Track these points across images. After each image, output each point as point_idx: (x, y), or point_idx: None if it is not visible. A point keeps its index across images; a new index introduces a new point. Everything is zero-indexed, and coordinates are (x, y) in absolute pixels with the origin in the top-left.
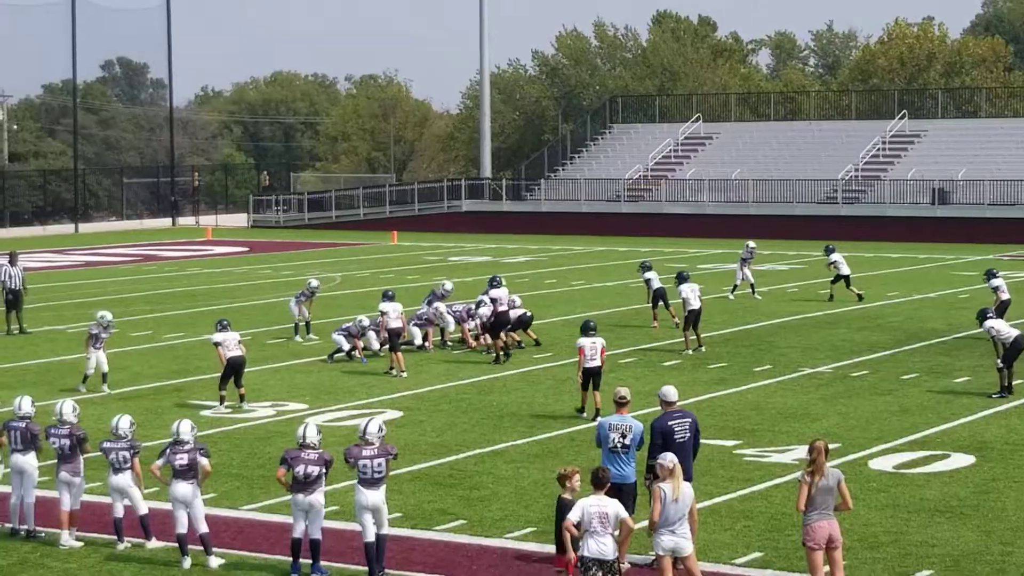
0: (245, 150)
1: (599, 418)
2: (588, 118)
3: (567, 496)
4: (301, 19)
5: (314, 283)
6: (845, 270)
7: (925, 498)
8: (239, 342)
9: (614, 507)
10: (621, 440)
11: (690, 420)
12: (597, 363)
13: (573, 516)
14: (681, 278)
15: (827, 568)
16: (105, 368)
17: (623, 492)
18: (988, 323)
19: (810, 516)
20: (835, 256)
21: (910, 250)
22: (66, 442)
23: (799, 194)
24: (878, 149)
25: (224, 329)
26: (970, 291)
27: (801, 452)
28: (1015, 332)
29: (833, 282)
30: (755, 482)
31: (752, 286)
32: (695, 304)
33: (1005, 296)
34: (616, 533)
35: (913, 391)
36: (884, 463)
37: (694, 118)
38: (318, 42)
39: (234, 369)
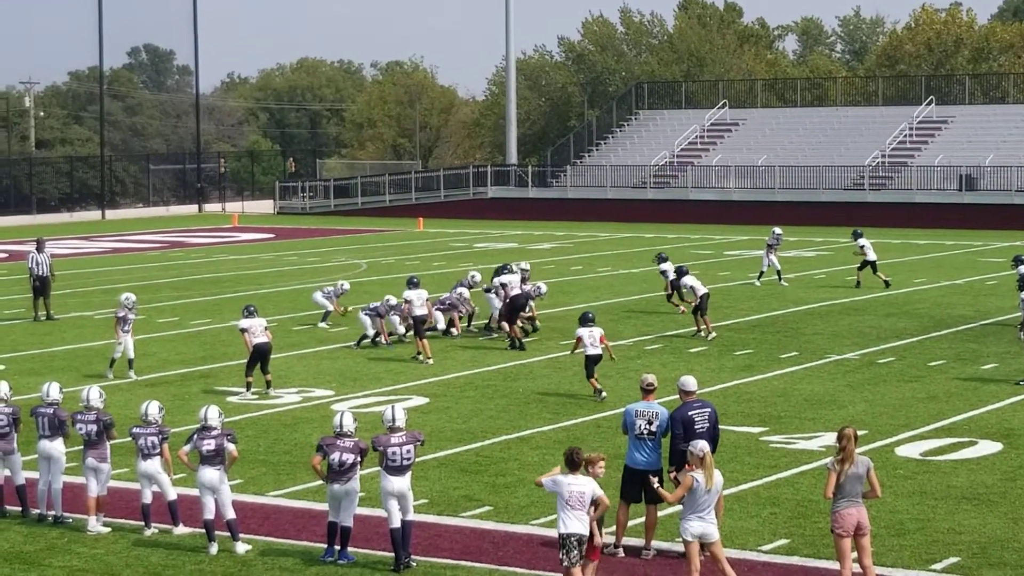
0: (271, 137)
1: (628, 405)
2: (614, 104)
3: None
4: (327, 5)
5: (346, 286)
6: (872, 256)
7: (952, 485)
8: (266, 328)
9: (590, 486)
10: (647, 427)
11: (709, 410)
12: (598, 351)
13: (545, 482)
14: (680, 272)
15: (855, 555)
16: (131, 354)
17: (648, 479)
18: None
19: (839, 503)
20: (863, 241)
21: (937, 236)
22: (93, 428)
23: (826, 180)
24: (905, 135)
25: (251, 315)
26: (998, 277)
27: (828, 439)
28: None
29: (859, 268)
30: (781, 469)
31: (779, 272)
32: (703, 289)
33: None
34: (593, 511)
35: (940, 378)
36: (911, 450)
37: (720, 104)
38: (344, 28)
39: (260, 355)
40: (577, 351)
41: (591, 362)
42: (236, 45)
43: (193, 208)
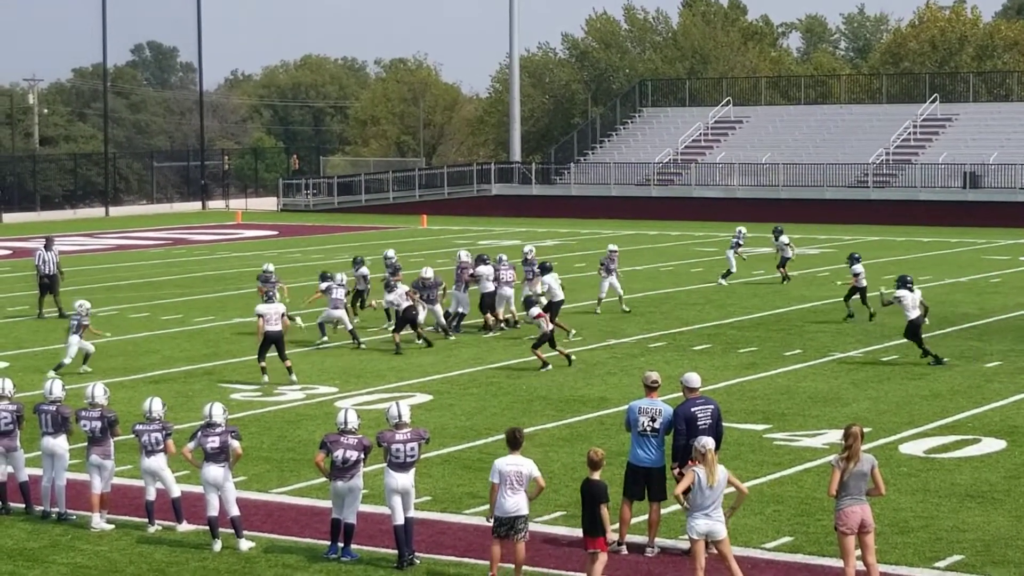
0: (275, 134)
1: (631, 402)
2: (618, 102)
3: (595, 477)
4: (331, 3)
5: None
6: (790, 253)
7: (956, 483)
8: (282, 316)
9: (528, 466)
10: (651, 424)
11: (712, 407)
12: (549, 327)
13: (492, 478)
14: (544, 268)
15: (859, 552)
16: (91, 349)
17: (652, 476)
18: (900, 292)
19: (843, 501)
20: (785, 238)
21: (941, 234)
22: (97, 424)
23: (829, 178)
24: (909, 133)
25: (269, 300)
26: (1002, 275)
27: (832, 436)
28: (916, 313)
29: (780, 265)
30: (785, 467)
31: (729, 272)
32: (560, 295)
33: (863, 283)
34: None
35: (944, 375)
36: (915, 448)
37: (724, 102)
38: (348, 26)
39: (272, 342)
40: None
41: (545, 339)
42: (240, 42)
43: (197, 205)
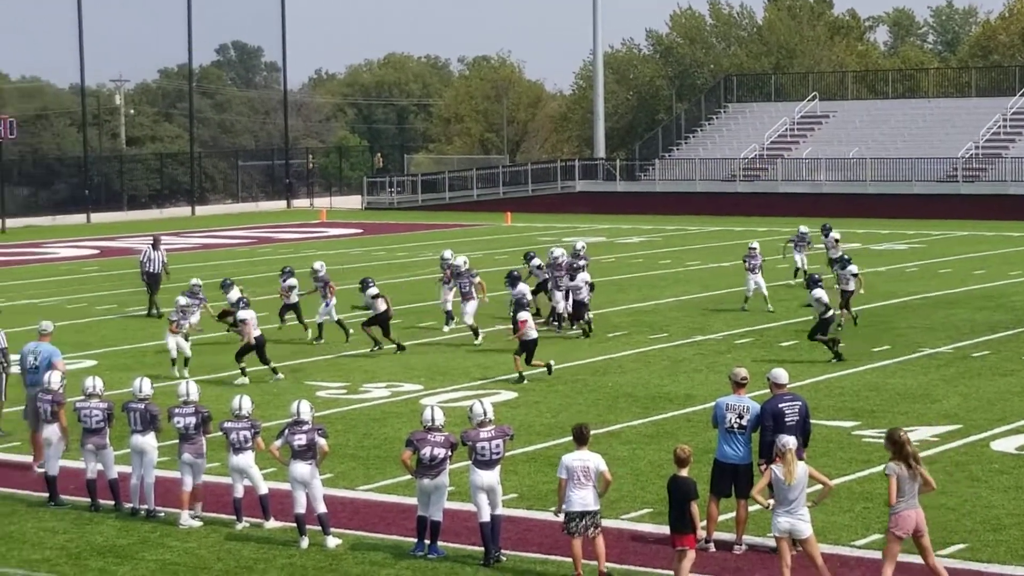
0: (359, 132)
1: (718, 398)
2: (703, 97)
3: (683, 474)
4: (414, 1)
5: (453, 258)
6: (836, 253)
7: None
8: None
9: (595, 460)
10: (738, 421)
11: (800, 404)
12: (535, 335)
13: (560, 473)
14: (513, 279)
15: (919, 558)
16: (188, 353)
17: (739, 473)
18: (817, 291)
19: (898, 505)
20: (836, 234)
21: None
22: (191, 420)
23: (918, 172)
24: (999, 126)
25: (248, 307)
26: None
27: (923, 433)
28: (833, 311)
29: (830, 263)
30: (874, 463)
31: (797, 271)
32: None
33: (851, 288)
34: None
35: None
36: (1007, 444)
37: (810, 96)
38: (431, 24)
39: (258, 347)
40: (517, 335)
41: (528, 345)
42: (323, 41)
43: (281, 204)
